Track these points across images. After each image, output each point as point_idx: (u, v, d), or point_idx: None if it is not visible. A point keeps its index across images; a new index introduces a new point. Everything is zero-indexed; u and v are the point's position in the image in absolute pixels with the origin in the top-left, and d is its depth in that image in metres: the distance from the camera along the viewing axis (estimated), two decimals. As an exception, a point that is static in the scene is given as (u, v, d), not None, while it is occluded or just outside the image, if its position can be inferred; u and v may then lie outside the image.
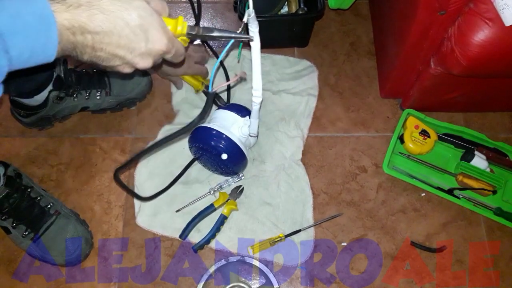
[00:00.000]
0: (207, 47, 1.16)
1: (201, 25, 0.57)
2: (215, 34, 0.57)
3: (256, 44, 0.67)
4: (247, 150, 0.94)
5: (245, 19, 0.63)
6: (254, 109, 0.80)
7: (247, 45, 0.70)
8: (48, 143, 1.05)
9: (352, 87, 1.15)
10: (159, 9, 0.52)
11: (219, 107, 0.99)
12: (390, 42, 1.05)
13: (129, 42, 0.48)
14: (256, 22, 0.63)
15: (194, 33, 0.55)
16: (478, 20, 0.74)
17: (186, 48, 0.58)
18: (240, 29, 0.60)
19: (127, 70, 0.53)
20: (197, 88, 1.06)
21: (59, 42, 0.44)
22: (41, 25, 0.42)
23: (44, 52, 0.44)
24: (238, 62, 1.14)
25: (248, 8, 0.60)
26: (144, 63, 0.51)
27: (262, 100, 0.77)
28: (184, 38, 0.56)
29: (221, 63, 1.11)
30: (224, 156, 0.88)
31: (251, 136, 0.91)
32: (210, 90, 0.65)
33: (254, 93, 0.74)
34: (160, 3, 0.52)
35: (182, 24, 0.54)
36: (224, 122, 0.92)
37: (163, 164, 1.01)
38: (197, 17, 1.09)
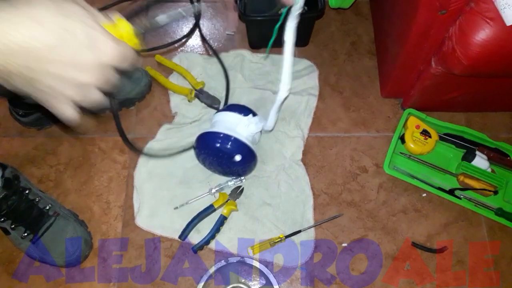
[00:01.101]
0: (207, 46, 1.16)
1: (148, 17, 0.48)
2: (164, 18, 0.49)
3: (289, 39, 0.66)
4: (255, 148, 0.93)
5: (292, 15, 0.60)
6: (277, 103, 0.79)
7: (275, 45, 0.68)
8: (47, 143, 1.04)
9: (352, 86, 1.14)
10: (94, 14, 0.41)
11: (219, 110, 0.98)
12: (391, 42, 1.04)
13: (75, 55, 0.38)
14: (297, 19, 0.62)
15: (142, 31, 0.46)
16: (479, 20, 0.73)
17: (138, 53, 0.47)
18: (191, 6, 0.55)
19: (66, 96, 0.40)
20: (185, 94, 1.06)
21: None
22: None
23: None
24: (265, 59, 1.14)
25: (297, 3, 0.58)
26: (91, 77, 0.40)
27: (288, 96, 0.75)
28: (135, 41, 0.46)
29: (221, 63, 1.10)
30: (238, 158, 0.87)
31: (266, 129, 0.90)
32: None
33: (282, 87, 0.72)
34: (90, 8, 0.41)
35: (123, 24, 0.44)
36: (228, 124, 0.91)
37: (163, 165, 1.01)
38: (198, 17, 1.09)
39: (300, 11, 0.60)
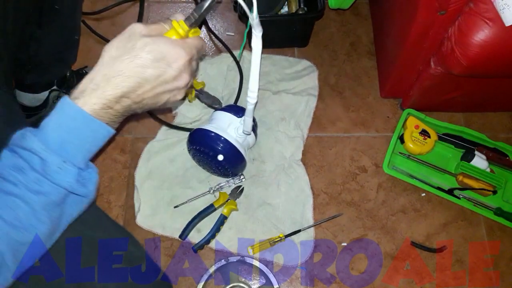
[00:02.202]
0: (214, 38, 1.15)
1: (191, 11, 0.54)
2: (206, 2, 0.53)
3: (257, 47, 0.66)
4: (246, 150, 0.93)
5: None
6: (249, 108, 0.80)
7: (248, 46, 0.69)
8: (48, 143, 1.04)
9: (352, 87, 1.15)
10: (159, 31, 0.51)
11: (217, 109, 0.98)
12: (390, 42, 1.05)
13: (158, 77, 0.48)
14: (260, 27, 0.63)
15: (193, 21, 0.53)
16: (478, 20, 0.74)
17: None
18: None
19: (179, 96, 0.53)
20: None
21: (105, 122, 0.47)
22: (78, 123, 0.46)
23: (100, 135, 0.48)
24: (239, 60, 1.14)
25: (252, 12, 0.59)
26: (184, 80, 0.51)
27: (256, 102, 0.77)
28: (194, 31, 0.54)
29: (234, 57, 1.12)
30: (220, 157, 0.87)
31: (244, 133, 0.91)
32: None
33: (250, 94, 0.74)
34: (155, 26, 0.51)
35: (178, 25, 0.53)
36: (220, 123, 0.92)
37: (163, 164, 1.01)
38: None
39: (257, 19, 0.60)
